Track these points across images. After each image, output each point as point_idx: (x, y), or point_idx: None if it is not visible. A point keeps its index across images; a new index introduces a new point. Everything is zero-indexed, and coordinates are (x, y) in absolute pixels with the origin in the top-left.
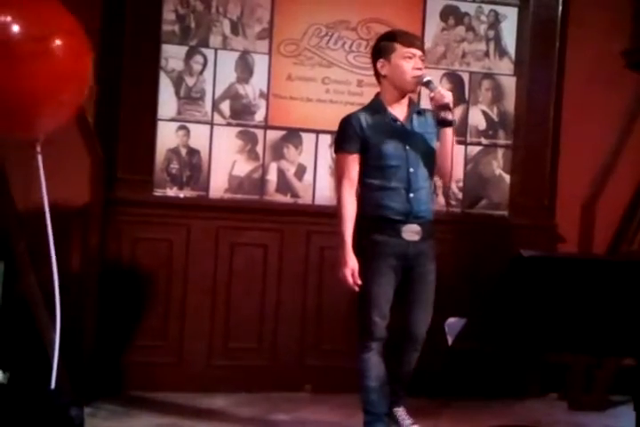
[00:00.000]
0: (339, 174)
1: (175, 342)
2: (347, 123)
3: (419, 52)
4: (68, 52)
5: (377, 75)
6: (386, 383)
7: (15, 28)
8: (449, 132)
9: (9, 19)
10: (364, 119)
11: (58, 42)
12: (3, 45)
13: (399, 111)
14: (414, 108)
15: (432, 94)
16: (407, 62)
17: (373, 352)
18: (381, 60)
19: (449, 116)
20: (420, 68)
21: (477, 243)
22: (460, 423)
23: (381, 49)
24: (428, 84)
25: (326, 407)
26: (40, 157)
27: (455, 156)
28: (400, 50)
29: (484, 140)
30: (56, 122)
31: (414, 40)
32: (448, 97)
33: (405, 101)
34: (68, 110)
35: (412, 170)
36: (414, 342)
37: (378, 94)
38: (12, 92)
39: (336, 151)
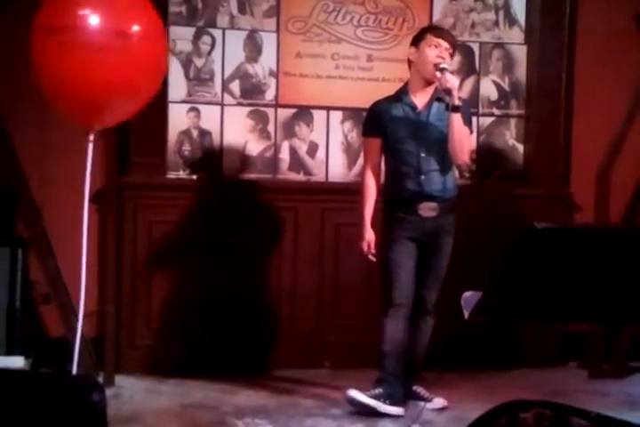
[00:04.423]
0: (364, 157)
1: (196, 322)
2: (370, 109)
3: (445, 44)
4: (145, 48)
5: (408, 62)
6: (403, 350)
7: (95, 21)
8: (454, 117)
9: (89, 11)
10: (384, 107)
11: (137, 38)
12: (82, 37)
13: (421, 99)
14: (436, 95)
15: (439, 76)
16: (432, 50)
17: (392, 317)
18: (413, 47)
19: (453, 101)
20: (442, 57)
21: (493, 214)
22: (479, 394)
23: (415, 38)
24: (442, 71)
25: (346, 383)
26: (91, 146)
27: (465, 140)
28: (428, 38)
29: (496, 111)
30: (122, 116)
31: (444, 33)
32: (452, 82)
33: (430, 90)
34: (136, 106)
35: (423, 154)
36: (425, 306)
37: (406, 82)
38: (84, 83)
39: (362, 135)
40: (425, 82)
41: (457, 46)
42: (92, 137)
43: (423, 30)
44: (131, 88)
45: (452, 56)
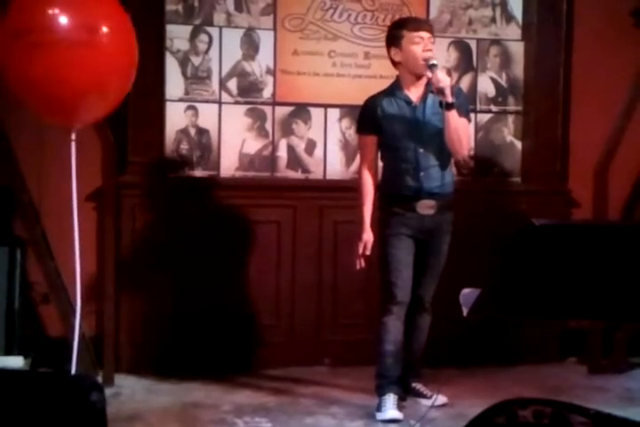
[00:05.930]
0: (360, 155)
1: (195, 321)
2: (364, 106)
3: (427, 35)
4: (114, 44)
5: (392, 62)
6: (402, 349)
7: (63, 19)
8: (449, 114)
9: (57, 10)
10: (379, 102)
11: (105, 33)
12: (51, 35)
13: (415, 92)
14: (430, 88)
15: (430, 75)
16: (417, 46)
17: (393, 317)
18: (393, 48)
19: (447, 99)
20: (430, 50)
21: (491, 211)
22: (479, 391)
23: (392, 38)
24: (431, 68)
25: (346, 380)
26: (74, 145)
27: (463, 135)
28: (408, 35)
29: (493, 108)
30: (99, 113)
31: (421, 24)
32: (444, 81)
33: (422, 82)
34: (112, 102)
35: (421, 150)
36: (422, 303)
37: (397, 77)
38: (56, 81)
39: (356, 132)
40: (416, 77)
41: (434, 29)
42: (73, 136)
43: (397, 28)
44: (101, 84)
45: (433, 43)
